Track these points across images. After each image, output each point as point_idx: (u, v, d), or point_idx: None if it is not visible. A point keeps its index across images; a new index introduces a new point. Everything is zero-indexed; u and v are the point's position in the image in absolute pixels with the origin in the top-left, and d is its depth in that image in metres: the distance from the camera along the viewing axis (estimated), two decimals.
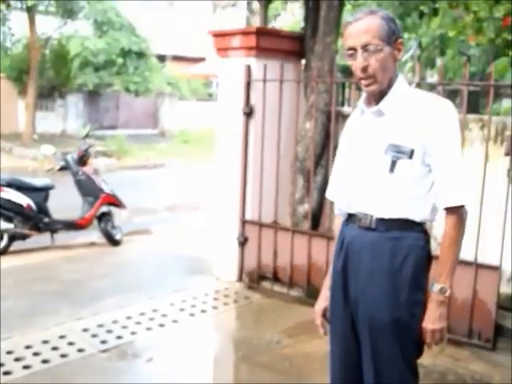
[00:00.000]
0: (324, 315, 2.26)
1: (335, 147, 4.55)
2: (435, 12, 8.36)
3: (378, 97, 2.03)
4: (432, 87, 4.19)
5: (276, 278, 4.78)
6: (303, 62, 5.06)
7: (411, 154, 1.96)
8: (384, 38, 1.94)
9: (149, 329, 4.04)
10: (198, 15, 26.22)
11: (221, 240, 5.13)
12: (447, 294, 1.97)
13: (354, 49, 1.96)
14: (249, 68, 4.76)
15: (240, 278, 4.99)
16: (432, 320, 1.98)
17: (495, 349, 3.77)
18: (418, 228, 2.04)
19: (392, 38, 1.96)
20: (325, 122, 4.76)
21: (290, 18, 17.84)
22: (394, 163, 1.97)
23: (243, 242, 4.94)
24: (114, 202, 6.63)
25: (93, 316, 4.23)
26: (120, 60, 18.45)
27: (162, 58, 22.16)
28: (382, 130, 2.02)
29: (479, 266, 3.73)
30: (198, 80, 23.26)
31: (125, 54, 18.54)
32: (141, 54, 19.04)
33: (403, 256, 2.00)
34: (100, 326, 4.05)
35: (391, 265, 2.00)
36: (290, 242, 4.64)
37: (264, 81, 4.66)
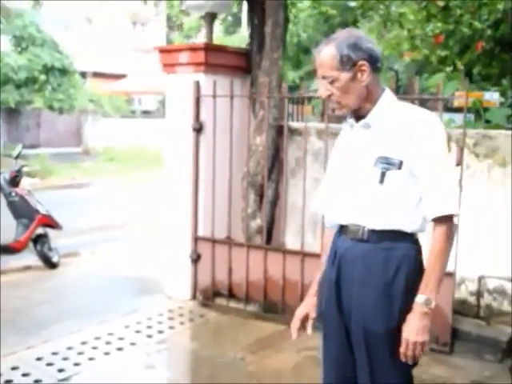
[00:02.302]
0: (303, 322, 2.24)
1: (286, 161, 4.62)
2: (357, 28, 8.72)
3: (364, 113, 2.07)
4: None
5: (231, 295, 4.73)
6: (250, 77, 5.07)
7: (400, 165, 1.99)
8: (338, 67, 2.01)
9: (107, 353, 3.88)
10: (118, 31, 25.90)
11: (172, 258, 5.02)
12: (432, 305, 1.95)
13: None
14: (198, 84, 4.73)
15: (194, 296, 4.90)
16: (415, 332, 1.94)
17: (452, 352, 3.90)
18: (410, 238, 2.07)
19: (348, 63, 2.00)
20: (275, 137, 4.79)
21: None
22: (383, 174, 2.00)
23: (196, 259, 4.87)
24: (50, 223, 6.36)
25: (44, 343, 4.02)
26: (42, 77, 17.78)
27: (82, 75, 21.62)
28: (370, 143, 2.05)
29: None
30: (119, 97, 22.86)
31: (47, 70, 17.90)
32: (64, 71, 18.45)
33: (395, 266, 2.03)
34: (54, 353, 3.85)
35: (384, 276, 2.02)
36: (245, 257, 4.61)
37: (214, 96, 4.64)
